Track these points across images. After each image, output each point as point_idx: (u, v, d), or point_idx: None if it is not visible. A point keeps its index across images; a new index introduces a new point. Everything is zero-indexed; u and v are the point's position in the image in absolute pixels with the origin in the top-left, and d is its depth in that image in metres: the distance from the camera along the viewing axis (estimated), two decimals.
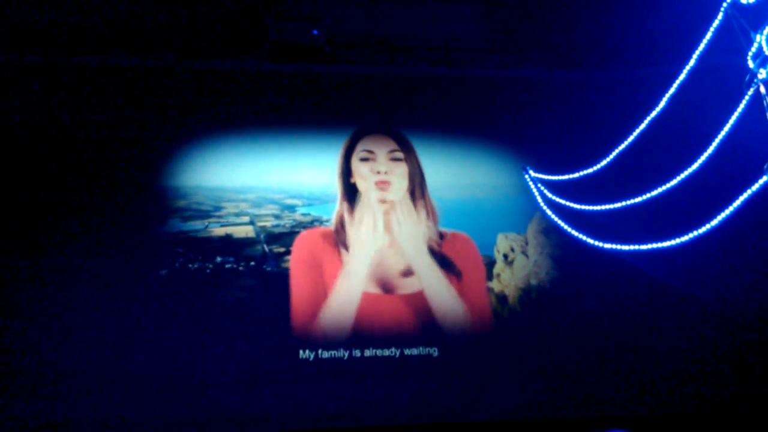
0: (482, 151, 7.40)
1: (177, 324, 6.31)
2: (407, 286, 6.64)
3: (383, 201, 6.78)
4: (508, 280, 6.96)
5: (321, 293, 6.54)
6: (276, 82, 7.14)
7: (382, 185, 6.80)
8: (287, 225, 6.91)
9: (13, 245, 6.27)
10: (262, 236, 6.84)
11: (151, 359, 6.17)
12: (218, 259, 6.66)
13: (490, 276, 6.93)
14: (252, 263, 6.70)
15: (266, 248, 6.78)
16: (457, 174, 7.29)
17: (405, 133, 7.09)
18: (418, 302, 6.61)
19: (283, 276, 6.65)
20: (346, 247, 6.68)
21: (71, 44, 6.46)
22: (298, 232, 6.86)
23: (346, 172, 6.89)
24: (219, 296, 6.50)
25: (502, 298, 6.89)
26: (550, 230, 7.01)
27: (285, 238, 6.82)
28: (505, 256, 7.04)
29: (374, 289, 6.59)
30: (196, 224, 6.78)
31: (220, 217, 6.85)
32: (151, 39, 6.58)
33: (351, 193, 6.85)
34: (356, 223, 6.71)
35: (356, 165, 6.91)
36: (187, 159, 6.93)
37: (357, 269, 6.58)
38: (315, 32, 6.44)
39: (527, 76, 7.38)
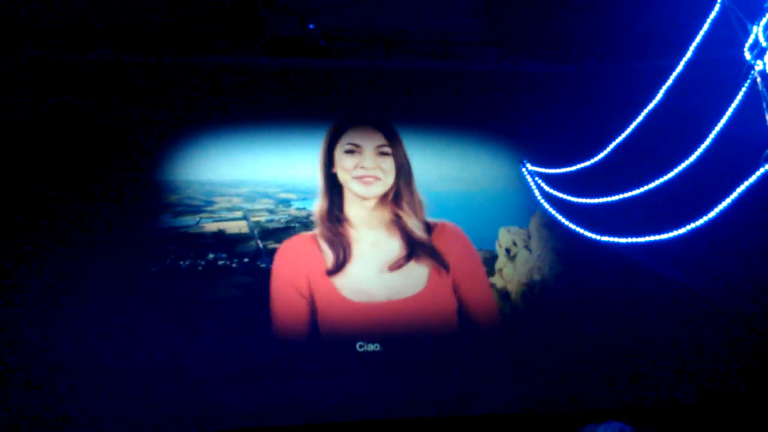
0: (481, 145, 7.33)
1: (169, 322, 6.32)
2: (397, 291, 6.59)
3: (365, 197, 6.66)
4: (510, 276, 6.90)
5: (305, 306, 6.47)
6: (271, 76, 7.06)
7: (367, 181, 6.62)
8: (282, 220, 6.82)
9: (2, 240, 6.28)
10: (255, 232, 6.75)
11: (142, 357, 6.20)
12: (210, 255, 6.59)
13: (492, 271, 6.88)
14: (245, 259, 6.63)
15: (260, 244, 6.71)
16: (456, 168, 7.21)
17: (403, 128, 6.96)
18: (409, 306, 6.56)
19: None
20: (330, 246, 6.57)
21: (65, 40, 6.47)
22: (293, 227, 6.76)
23: (328, 163, 6.70)
24: (212, 294, 6.46)
25: (504, 294, 6.84)
26: (553, 224, 6.80)
27: (280, 233, 6.73)
28: (508, 251, 6.96)
29: (361, 296, 6.52)
30: (188, 219, 6.69)
31: (212, 212, 6.74)
32: (143, 34, 6.58)
33: (333, 186, 6.68)
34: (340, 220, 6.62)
35: (340, 156, 6.70)
36: (179, 153, 6.82)
37: (347, 275, 6.52)
38: (311, 26, 6.45)
39: (524, 69, 7.30)
